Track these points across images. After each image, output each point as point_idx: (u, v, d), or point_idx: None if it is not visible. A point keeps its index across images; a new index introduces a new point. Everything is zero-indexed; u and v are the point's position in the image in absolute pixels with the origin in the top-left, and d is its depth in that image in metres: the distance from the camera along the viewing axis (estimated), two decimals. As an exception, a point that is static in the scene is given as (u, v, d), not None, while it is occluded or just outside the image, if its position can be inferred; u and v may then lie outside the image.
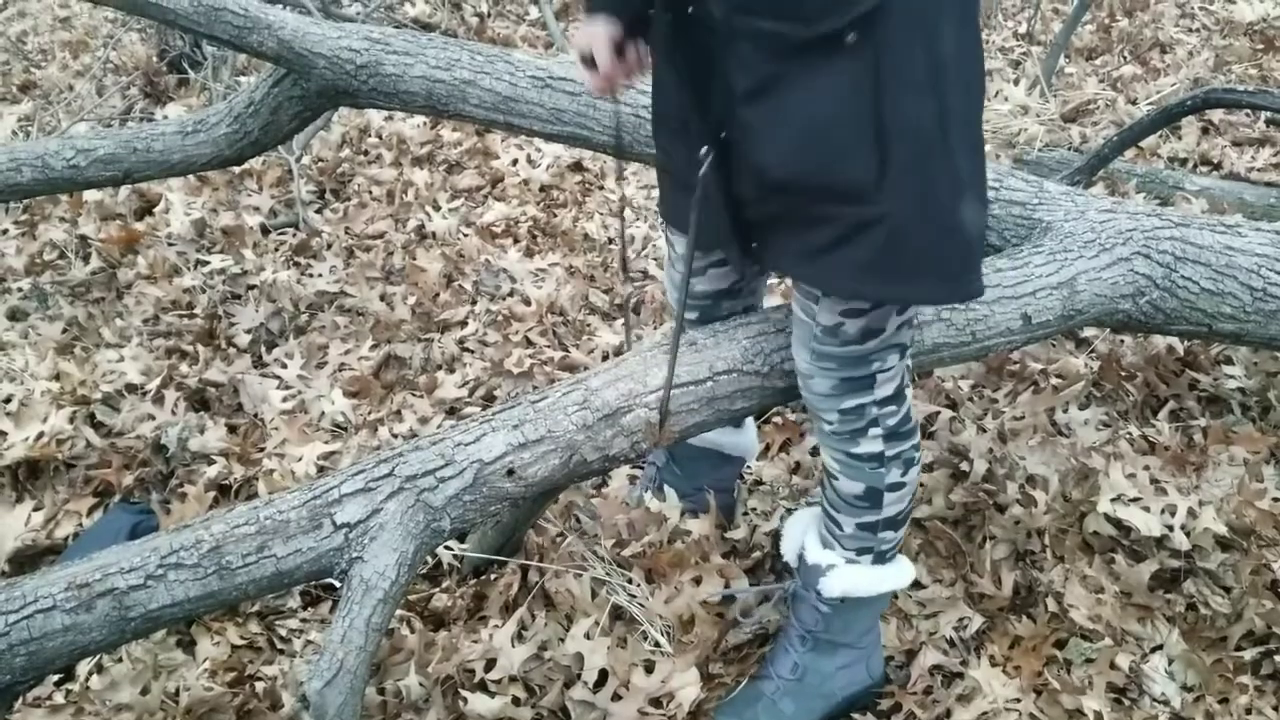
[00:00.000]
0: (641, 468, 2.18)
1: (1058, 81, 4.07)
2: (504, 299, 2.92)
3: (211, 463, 2.28)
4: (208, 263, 3.04)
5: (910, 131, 1.28)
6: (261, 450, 2.33)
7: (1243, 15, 4.59)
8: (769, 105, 1.29)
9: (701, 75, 1.35)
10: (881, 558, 1.65)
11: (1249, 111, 3.57)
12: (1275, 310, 1.90)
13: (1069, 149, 3.49)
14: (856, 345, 1.48)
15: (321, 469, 2.26)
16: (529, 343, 2.72)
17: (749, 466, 2.25)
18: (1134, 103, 3.89)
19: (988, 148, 3.49)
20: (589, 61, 1.42)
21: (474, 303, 2.90)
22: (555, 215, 3.38)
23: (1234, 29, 4.50)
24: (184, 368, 2.59)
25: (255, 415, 2.47)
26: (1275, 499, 2.02)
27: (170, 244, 3.14)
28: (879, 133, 1.27)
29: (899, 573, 1.69)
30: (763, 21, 1.24)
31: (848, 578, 1.64)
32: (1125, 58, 4.35)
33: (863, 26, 1.21)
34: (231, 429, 2.42)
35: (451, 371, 2.62)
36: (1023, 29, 4.70)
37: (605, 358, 2.61)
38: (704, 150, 1.36)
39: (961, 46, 1.30)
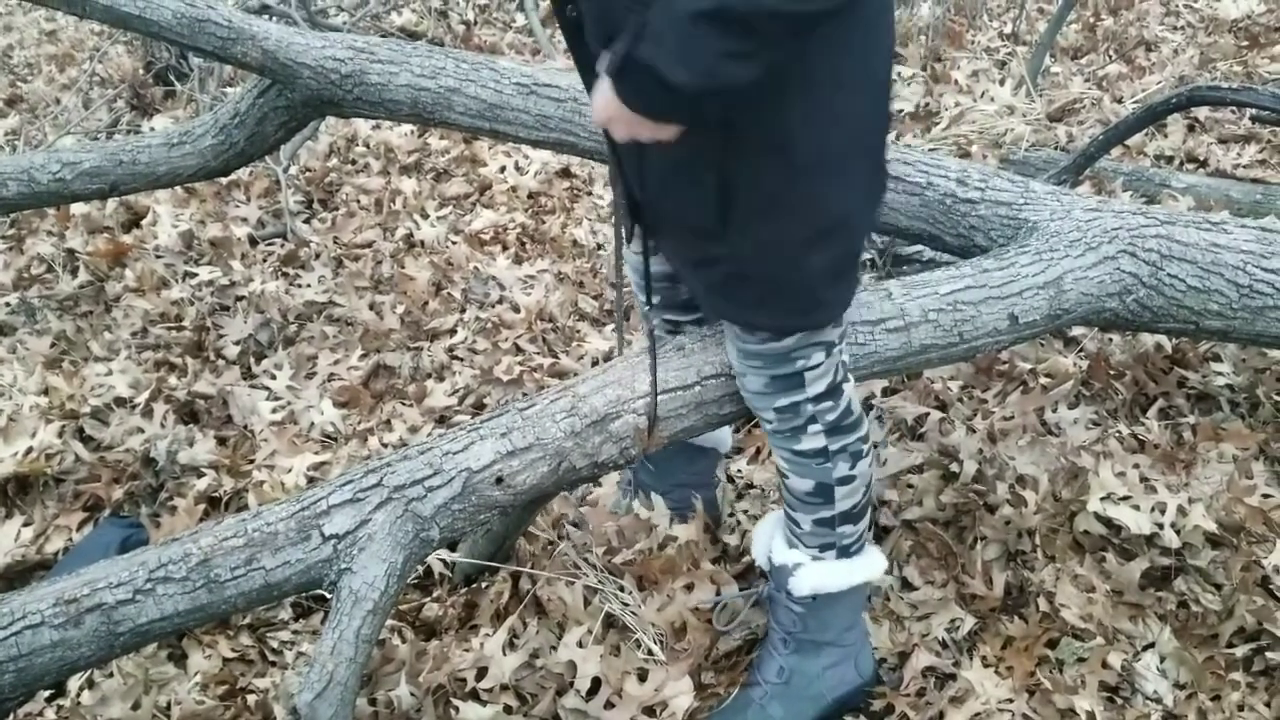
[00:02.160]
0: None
1: (1043, 81, 4.08)
2: (493, 306, 2.91)
3: (201, 475, 2.27)
4: (196, 274, 3.03)
5: (752, 189, 1.39)
6: (251, 462, 2.32)
7: (1227, 13, 4.60)
8: (636, 147, 1.36)
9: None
10: (845, 551, 1.67)
11: (1234, 108, 3.57)
12: (1262, 307, 1.91)
13: (1055, 148, 3.50)
14: (775, 343, 1.53)
15: (311, 480, 2.25)
16: (518, 350, 2.72)
17: (739, 470, 2.25)
18: (1120, 101, 3.90)
19: (974, 148, 3.52)
20: None
21: (463, 310, 2.90)
22: (544, 222, 3.38)
23: (1219, 26, 4.52)
24: (173, 380, 2.59)
25: (245, 427, 2.47)
26: (1265, 495, 2.02)
27: (158, 256, 3.14)
28: (722, 187, 1.39)
29: (868, 565, 1.71)
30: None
31: (815, 575, 1.66)
32: (1110, 56, 4.36)
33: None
34: (221, 441, 2.41)
35: (441, 380, 2.62)
36: (1008, 29, 4.71)
37: (595, 364, 2.60)
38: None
39: (841, 90, 1.36)
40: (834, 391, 1.58)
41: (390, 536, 1.53)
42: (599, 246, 3.17)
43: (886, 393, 2.44)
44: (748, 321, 1.54)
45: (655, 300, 1.77)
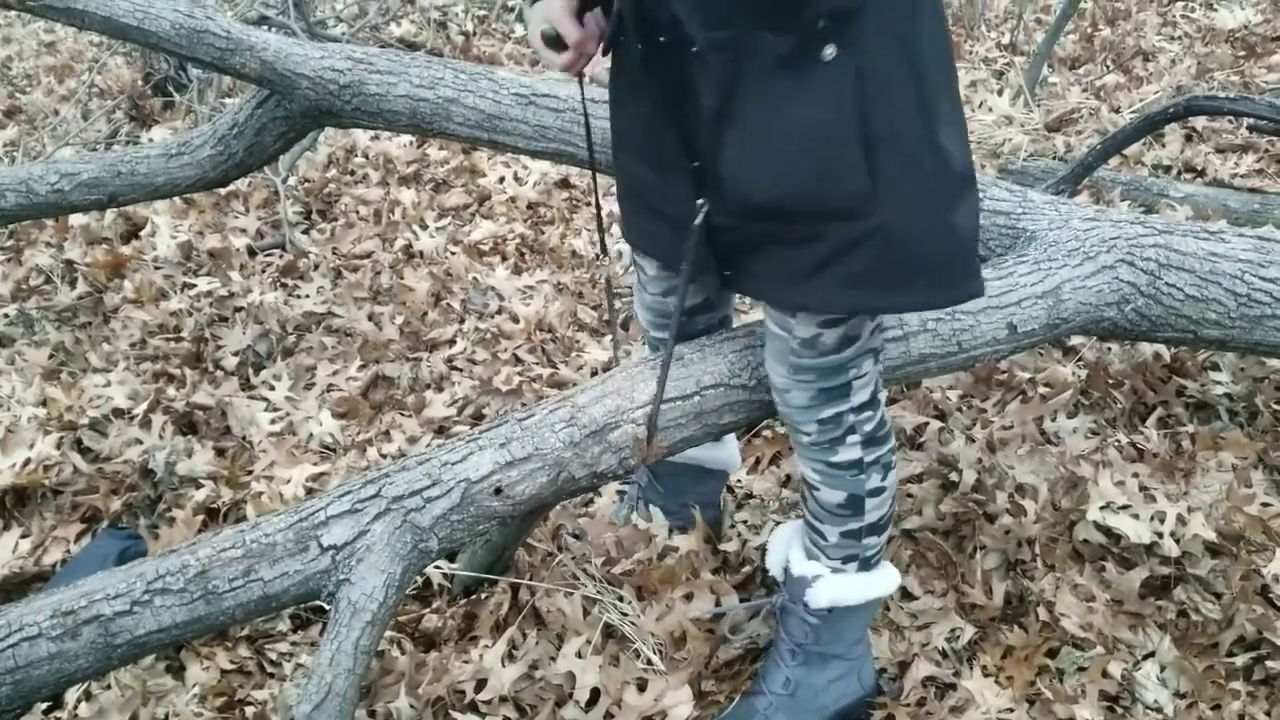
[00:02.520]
0: (629, 484, 2.17)
1: (1041, 91, 4.10)
2: (492, 317, 2.91)
3: (199, 486, 2.26)
4: (194, 285, 3.03)
5: (898, 138, 1.27)
6: (250, 473, 2.32)
7: (1224, 23, 4.62)
8: (749, 128, 1.28)
9: (674, 104, 1.34)
10: (867, 564, 1.65)
11: (1231, 118, 3.59)
12: (1260, 316, 1.91)
13: (1053, 158, 3.51)
14: (834, 355, 1.48)
15: (310, 490, 2.25)
16: (517, 360, 2.72)
17: (738, 480, 2.25)
18: (1117, 111, 3.91)
19: (973, 158, 3.52)
20: (552, 40, 1.35)
21: (462, 321, 2.90)
22: (543, 232, 3.38)
23: (1215, 36, 4.53)
24: (171, 391, 2.59)
25: (243, 438, 2.46)
26: (1264, 504, 2.02)
27: (157, 267, 3.14)
28: (866, 144, 1.25)
29: (885, 579, 1.69)
30: (741, 35, 1.22)
31: (834, 587, 1.64)
32: (1108, 66, 4.38)
33: (840, 38, 1.21)
34: (219, 452, 2.41)
35: (440, 390, 2.61)
36: (1006, 39, 4.73)
37: (594, 374, 2.61)
38: (700, 201, 1.35)
39: (937, 46, 1.30)
40: (873, 401, 1.56)
41: (389, 547, 1.52)
42: (598, 256, 3.17)
43: (886, 402, 2.43)
44: (901, 306, 1.45)
45: (665, 336, 1.72)
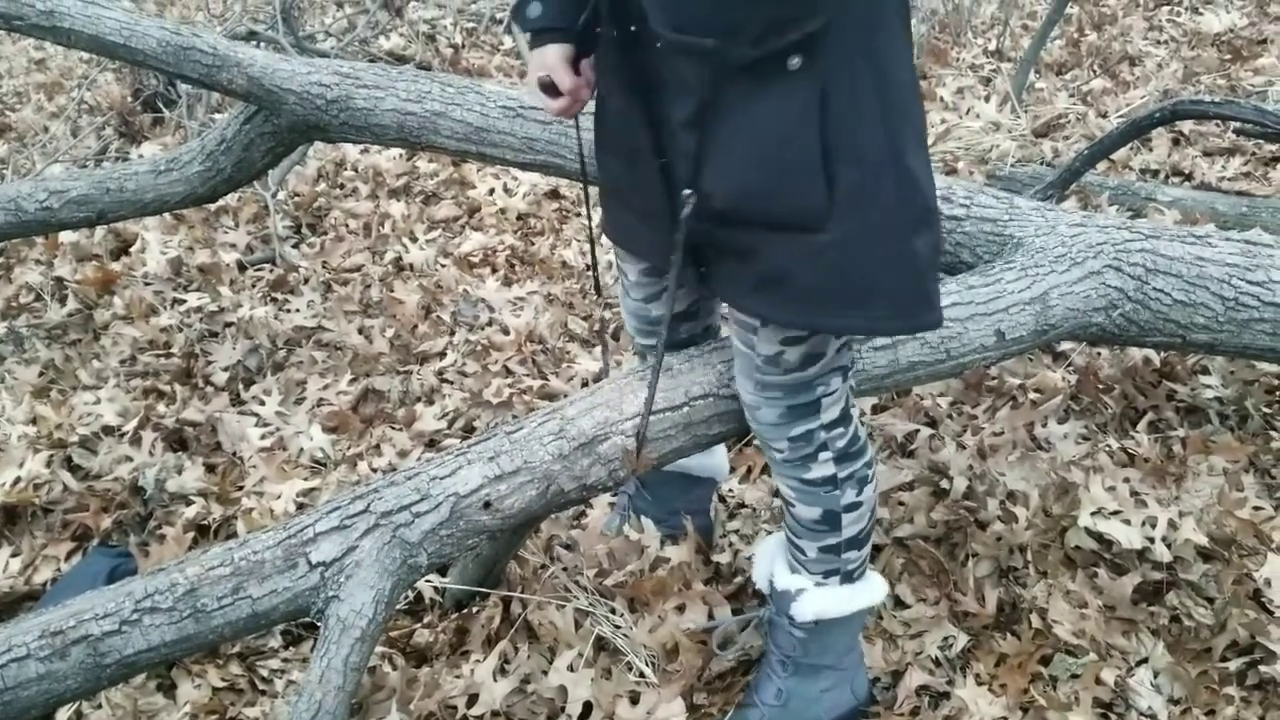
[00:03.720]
0: (620, 494, 2.17)
1: (1028, 97, 4.11)
2: (482, 329, 2.91)
3: (190, 503, 2.26)
4: (184, 301, 3.03)
5: (859, 155, 1.26)
6: (240, 489, 2.31)
7: (1210, 26, 4.64)
8: (710, 131, 1.28)
9: (645, 96, 1.35)
10: (849, 577, 1.65)
11: (1218, 122, 3.60)
12: (1248, 319, 1.91)
13: (1041, 164, 3.51)
14: (799, 372, 1.48)
15: (301, 506, 2.24)
16: (508, 372, 2.71)
17: (730, 490, 2.24)
18: (1104, 116, 3.92)
19: (960, 165, 3.53)
20: (549, 88, 1.40)
21: (452, 333, 2.90)
22: (533, 243, 3.38)
23: (1201, 40, 4.55)
24: (161, 408, 2.58)
25: (233, 454, 2.46)
26: (1255, 508, 2.02)
27: (147, 283, 3.13)
28: (826, 158, 1.25)
29: (870, 590, 1.69)
30: (704, 41, 1.22)
31: (818, 600, 1.64)
32: (1095, 71, 4.39)
33: (806, 50, 1.20)
34: (210, 468, 2.40)
35: (430, 403, 2.61)
36: (992, 46, 4.74)
37: (585, 385, 2.60)
38: (686, 193, 1.33)
39: (904, 76, 1.30)
40: (844, 417, 1.56)
41: (378, 563, 1.52)
42: (588, 267, 3.17)
43: (876, 410, 2.44)
44: (850, 328, 1.43)
45: (651, 343, 1.72)
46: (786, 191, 1.27)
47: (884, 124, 1.26)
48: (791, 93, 1.22)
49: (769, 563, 1.73)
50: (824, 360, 1.48)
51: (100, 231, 3.37)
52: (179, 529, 2.15)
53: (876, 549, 2.05)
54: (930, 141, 3.71)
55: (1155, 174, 3.52)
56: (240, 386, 2.72)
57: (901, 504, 2.13)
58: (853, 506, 1.58)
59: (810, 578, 1.65)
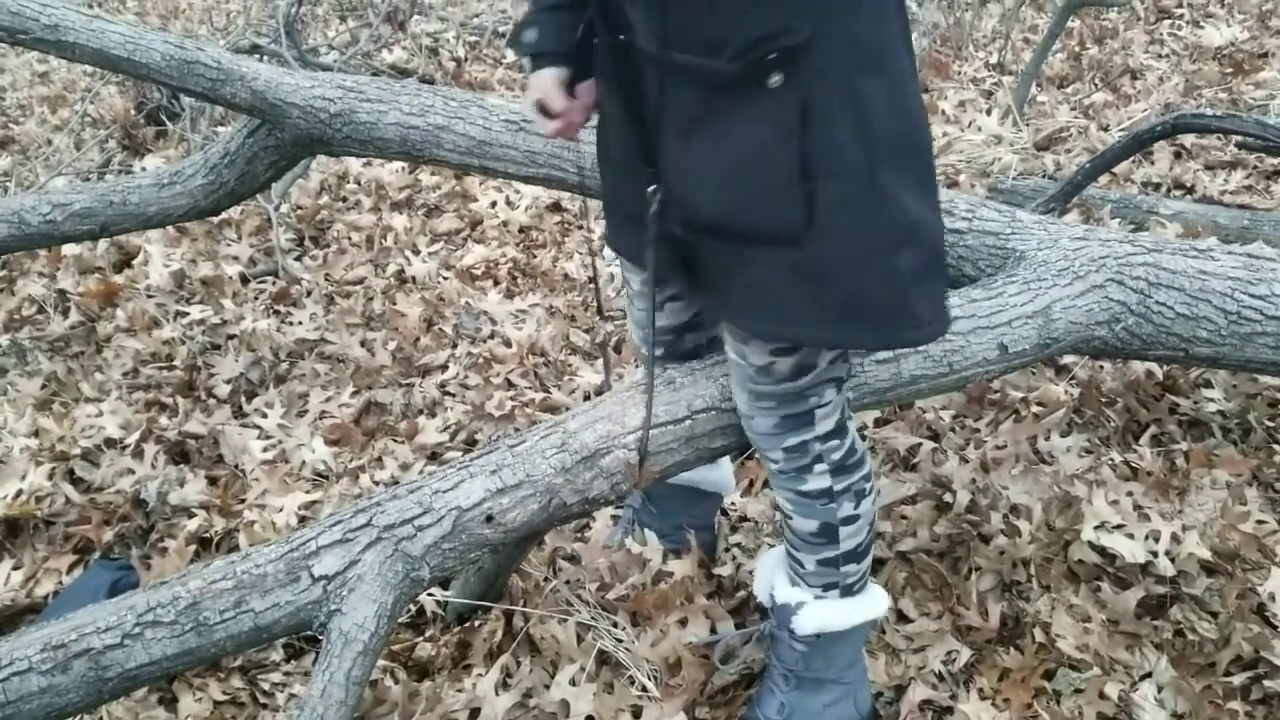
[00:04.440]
0: (624, 507, 2.17)
1: (1030, 110, 4.12)
2: (485, 341, 2.91)
3: (192, 516, 2.26)
4: (187, 314, 3.03)
5: (837, 173, 1.26)
6: (242, 502, 2.31)
7: (1211, 40, 4.65)
8: (695, 144, 1.29)
9: (635, 105, 1.36)
10: (849, 590, 1.64)
11: (1220, 135, 3.60)
12: (1250, 333, 1.91)
13: (1043, 177, 3.52)
14: (790, 382, 1.48)
15: (303, 519, 2.24)
16: (510, 385, 2.71)
17: (732, 503, 2.24)
18: (1106, 129, 3.93)
19: (962, 178, 3.54)
20: (544, 111, 1.45)
21: (455, 346, 2.90)
22: (535, 256, 3.39)
23: (1203, 54, 4.56)
24: (163, 420, 2.58)
25: (236, 466, 2.46)
26: (1259, 521, 2.02)
27: (149, 296, 3.14)
28: (805, 173, 1.25)
29: (871, 604, 1.68)
30: (688, 56, 1.24)
31: (819, 614, 1.64)
32: (1096, 85, 4.40)
33: (787, 67, 1.20)
34: (212, 481, 2.40)
35: (433, 416, 2.61)
36: (994, 59, 4.76)
37: (587, 397, 2.60)
38: (651, 189, 1.36)
39: (895, 79, 1.29)
40: (840, 430, 1.56)
41: (380, 577, 1.51)
42: (591, 280, 3.18)
43: (879, 423, 2.44)
44: (831, 342, 1.44)
45: (659, 353, 1.72)
46: (765, 206, 1.28)
47: (864, 145, 1.25)
48: (772, 109, 1.23)
49: (770, 576, 1.73)
50: (816, 371, 1.48)
51: (103, 244, 3.38)
52: (181, 542, 2.15)
53: (879, 563, 2.05)
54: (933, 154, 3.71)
55: (1157, 187, 3.53)
56: (243, 399, 2.72)
57: (904, 518, 2.13)
58: (850, 519, 1.58)
59: (810, 591, 1.64)
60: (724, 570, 2.07)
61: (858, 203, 1.27)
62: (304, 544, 1.52)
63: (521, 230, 3.54)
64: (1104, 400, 2.42)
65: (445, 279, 3.23)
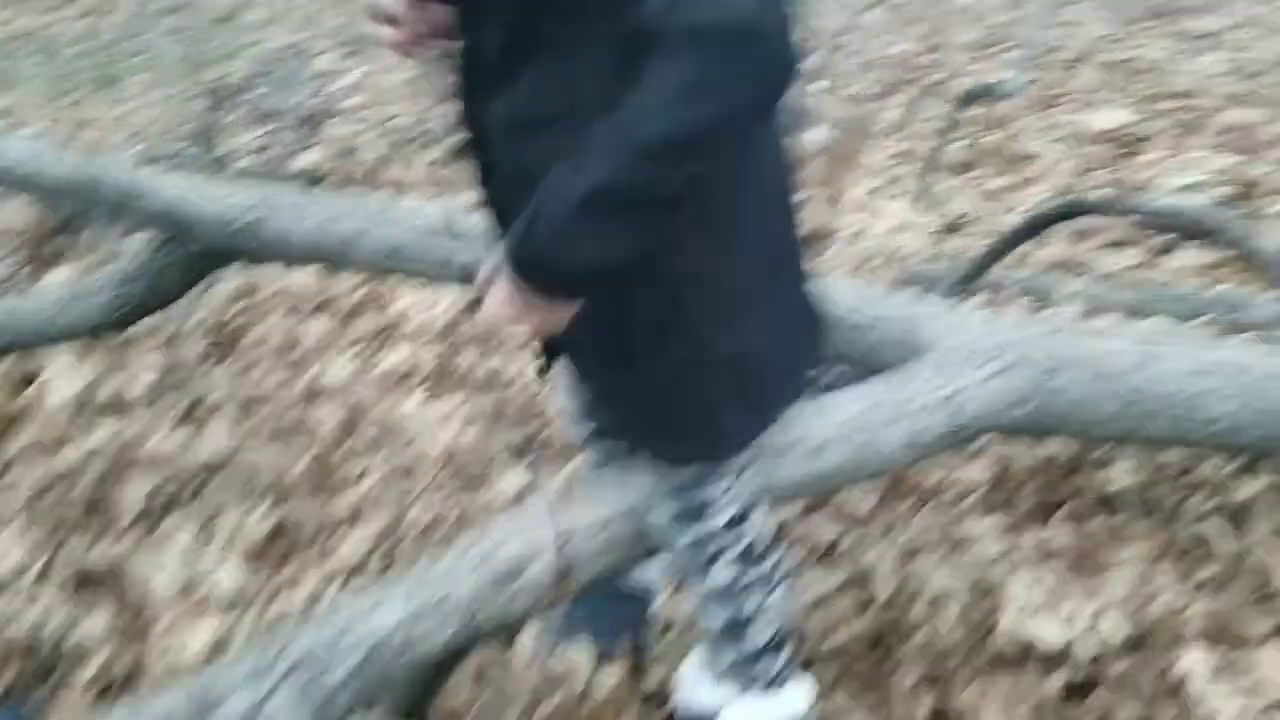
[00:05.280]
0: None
1: (934, 196, 4.26)
2: (405, 448, 2.86)
3: (94, 655, 2.15)
4: (93, 434, 2.94)
5: (642, 322, 1.32)
6: (148, 635, 2.21)
7: (1101, 124, 4.88)
8: None
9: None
10: (769, 685, 1.62)
11: (1115, 215, 3.75)
12: (1153, 410, 1.96)
13: (949, 261, 3.62)
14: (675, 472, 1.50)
15: (215, 648, 2.15)
16: (432, 492, 2.66)
17: (660, 601, 2.21)
18: (1009, 211, 4.07)
19: (870, 265, 3.62)
20: (383, 15, 1.33)
21: (372, 456, 2.84)
22: (458, 354, 3.35)
23: (1096, 137, 4.78)
24: (67, 550, 2.47)
25: (142, 596, 2.35)
26: (1171, 597, 2.05)
27: (53, 416, 3.03)
28: (614, 318, 1.31)
29: (794, 698, 1.66)
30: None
31: (739, 716, 1.61)
32: (996, 169, 4.57)
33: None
34: (118, 613, 2.30)
35: (350, 529, 2.54)
36: (898, 148, 4.92)
37: (513, 501, 2.56)
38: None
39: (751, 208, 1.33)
40: (741, 519, 1.56)
41: (294, 713, 1.45)
42: (511, 382, 3.16)
43: (807, 511, 2.43)
44: (654, 450, 1.49)
45: (591, 429, 1.73)
46: (585, 336, 1.33)
47: (681, 289, 1.30)
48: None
49: (692, 682, 1.70)
50: (699, 462, 1.49)
51: (4, 364, 3.26)
52: (82, 684, 2.04)
53: (809, 662, 2.03)
54: (839, 245, 3.81)
55: (1059, 266, 3.65)
56: (151, 521, 2.62)
57: (829, 613, 2.12)
58: (760, 613, 1.57)
59: (729, 690, 1.62)
60: (657, 673, 2.02)
61: (667, 345, 1.35)
62: (211, 685, 1.46)
63: (442, 330, 3.51)
64: (1017, 481, 2.46)
65: (362, 386, 3.18)
